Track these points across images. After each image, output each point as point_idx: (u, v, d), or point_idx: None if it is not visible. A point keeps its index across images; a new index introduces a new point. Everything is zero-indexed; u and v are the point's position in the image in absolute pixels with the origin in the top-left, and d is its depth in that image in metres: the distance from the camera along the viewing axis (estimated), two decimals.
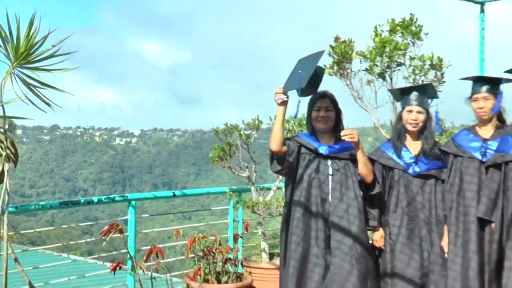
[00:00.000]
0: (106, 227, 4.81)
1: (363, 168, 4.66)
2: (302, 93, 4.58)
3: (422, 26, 5.81)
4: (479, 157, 4.61)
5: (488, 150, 4.59)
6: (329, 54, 5.88)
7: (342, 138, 4.56)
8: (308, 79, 4.42)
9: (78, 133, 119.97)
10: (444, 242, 4.70)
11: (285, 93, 4.48)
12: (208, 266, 5.35)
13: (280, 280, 4.73)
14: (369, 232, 4.99)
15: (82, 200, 5.93)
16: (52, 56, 4.37)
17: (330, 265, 4.61)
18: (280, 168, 4.67)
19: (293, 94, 4.52)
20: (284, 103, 4.51)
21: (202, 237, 5.38)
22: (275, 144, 4.55)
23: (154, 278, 4.88)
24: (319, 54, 4.62)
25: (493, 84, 4.61)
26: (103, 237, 4.82)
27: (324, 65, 5.90)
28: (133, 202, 5.79)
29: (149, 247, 5.05)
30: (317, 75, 4.66)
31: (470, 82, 4.72)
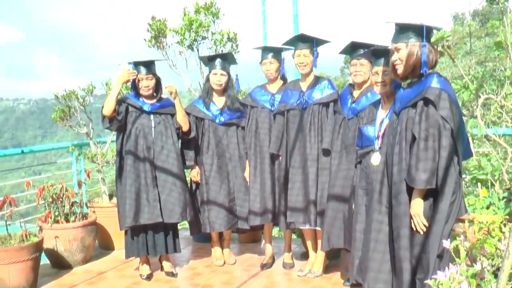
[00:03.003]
0: None
1: (180, 118, 4.77)
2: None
3: (220, 8, 5.97)
4: (269, 107, 4.91)
5: (275, 102, 4.88)
6: (148, 30, 5.85)
7: (165, 88, 4.71)
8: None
9: None
10: (246, 173, 4.98)
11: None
12: (57, 210, 5.19)
13: (119, 215, 4.74)
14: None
15: None
16: None
17: (160, 199, 4.71)
18: (109, 125, 4.65)
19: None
20: (128, 81, 4.64)
21: (50, 185, 5.20)
22: (107, 110, 4.54)
23: (9, 224, 4.65)
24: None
25: (276, 52, 4.87)
26: None
27: (144, 39, 5.88)
28: None
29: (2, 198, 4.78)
30: None
31: (260, 51, 4.95)
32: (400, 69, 3.13)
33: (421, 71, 3.04)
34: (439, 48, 4.91)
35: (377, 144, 3.68)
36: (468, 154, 3.28)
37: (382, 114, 3.72)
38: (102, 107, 4.57)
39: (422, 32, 3.05)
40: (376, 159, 3.63)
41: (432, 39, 4.90)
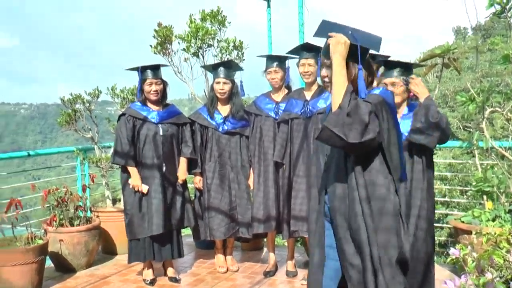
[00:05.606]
0: None
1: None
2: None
3: (226, 16, 6.00)
4: (273, 115, 4.92)
5: (279, 110, 4.90)
6: (154, 37, 5.88)
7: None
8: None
9: None
10: (250, 181, 4.99)
11: None
12: (62, 213, 5.19)
13: (129, 224, 4.70)
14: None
15: None
16: None
17: (170, 208, 4.74)
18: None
19: None
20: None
21: (56, 189, 5.20)
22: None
23: (15, 226, 4.65)
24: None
25: (281, 60, 4.90)
26: None
27: (150, 45, 5.90)
28: None
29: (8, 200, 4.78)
30: None
31: (265, 60, 4.97)
32: (329, 87, 2.77)
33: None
34: (445, 60, 4.94)
35: None
36: (401, 178, 2.75)
37: None
38: (116, 151, 4.66)
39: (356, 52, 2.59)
40: None
41: (438, 51, 4.93)
